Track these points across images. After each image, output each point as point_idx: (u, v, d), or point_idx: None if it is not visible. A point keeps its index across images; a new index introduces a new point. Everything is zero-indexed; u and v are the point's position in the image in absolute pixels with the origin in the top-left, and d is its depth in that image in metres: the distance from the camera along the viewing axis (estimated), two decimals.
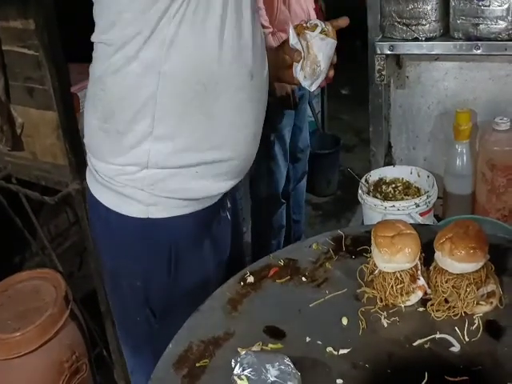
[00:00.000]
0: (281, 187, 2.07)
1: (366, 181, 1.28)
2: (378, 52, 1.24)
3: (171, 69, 0.87)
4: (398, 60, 1.36)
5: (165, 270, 1.00)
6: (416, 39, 1.20)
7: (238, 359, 0.69)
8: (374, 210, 1.17)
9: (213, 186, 0.98)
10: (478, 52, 1.13)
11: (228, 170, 0.98)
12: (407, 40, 1.21)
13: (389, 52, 1.23)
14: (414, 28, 1.19)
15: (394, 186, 1.27)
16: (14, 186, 1.74)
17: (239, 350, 0.76)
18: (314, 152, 2.64)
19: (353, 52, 3.41)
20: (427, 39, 1.19)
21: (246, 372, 0.67)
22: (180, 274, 1.01)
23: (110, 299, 1.14)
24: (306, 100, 2.23)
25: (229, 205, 1.09)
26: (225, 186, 1.00)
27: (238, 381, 0.67)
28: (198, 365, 0.76)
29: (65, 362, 1.38)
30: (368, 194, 1.23)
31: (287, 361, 0.69)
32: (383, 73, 1.26)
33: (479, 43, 1.12)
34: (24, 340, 1.37)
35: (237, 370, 0.68)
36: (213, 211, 1.03)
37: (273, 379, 0.67)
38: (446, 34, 1.20)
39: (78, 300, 1.61)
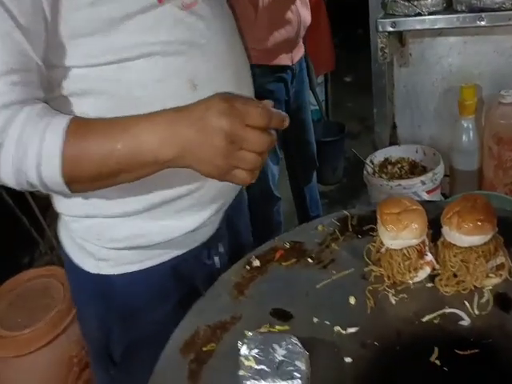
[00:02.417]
0: (273, 183, 2.05)
1: (371, 162, 1.26)
2: (380, 29, 1.22)
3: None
4: (400, 37, 1.35)
5: (120, 326, 0.88)
6: (419, 14, 1.18)
7: (245, 340, 0.69)
8: (379, 190, 1.16)
9: (174, 225, 0.83)
10: (482, 23, 1.10)
11: (191, 204, 0.82)
12: (410, 16, 1.19)
13: (391, 29, 1.22)
14: (416, 3, 1.16)
15: (399, 165, 1.25)
16: None
17: (246, 333, 0.74)
18: (318, 140, 2.62)
19: (355, 40, 3.38)
20: (430, 14, 1.17)
21: (253, 352, 0.66)
22: (139, 328, 0.88)
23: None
24: (306, 110, 2.17)
25: (220, 248, 0.92)
26: (192, 223, 0.84)
27: (246, 361, 0.66)
28: (205, 349, 0.75)
29: (74, 357, 1.39)
30: (373, 175, 1.22)
31: (295, 340, 0.68)
32: (386, 51, 1.24)
33: (483, 14, 1.10)
34: (33, 337, 1.38)
35: (244, 351, 0.67)
36: (189, 259, 0.87)
37: (280, 359, 0.66)
38: (448, 8, 1.17)
39: None
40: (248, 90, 0.88)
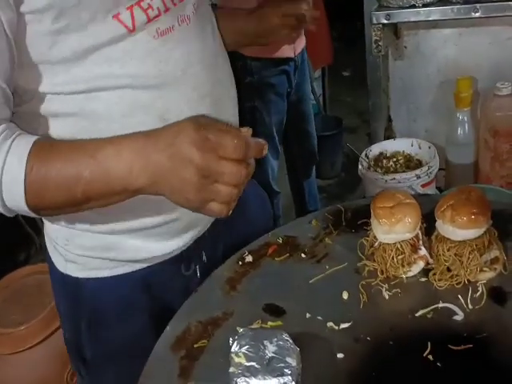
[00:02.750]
0: (272, 177, 2.03)
1: (367, 156, 1.25)
2: (375, 22, 1.21)
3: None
4: (395, 30, 1.33)
5: (88, 331, 0.85)
6: (413, 6, 1.17)
7: (236, 337, 0.68)
8: (374, 184, 1.15)
9: (146, 247, 0.80)
10: (477, 15, 1.09)
11: (166, 231, 0.79)
12: (404, 7, 1.18)
13: (385, 21, 1.21)
14: None
15: (394, 159, 1.24)
16: None
17: (238, 329, 0.74)
18: (316, 134, 2.60)
19: (353, 34, 3.36)
20: (424, 5, 1.16)
21: (243, 349, 0.65)
22: (108, 337, 0.85)
23: None
24: (307, 102, 2.15)
25: (204, 257, 0.87)
26: (163, 247, 0.80)
27: (236, 358, 0.65)
28: (196, 346, 0.74)
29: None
30: (368, 169, 1.21)
31: (286, 336, 0.67)
32: (380, 43, 1.23)
33: (477, 5, 1.09)
34: (29, 333, 1.37)
35: (234, 348, 0.66)
36: (164, 270, 0.82)
37: (271, 355, 0.65)
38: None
39: None
40: (231, 114, 0.82)
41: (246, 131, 0.68)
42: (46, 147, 0.65)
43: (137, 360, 0.72)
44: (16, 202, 0.64)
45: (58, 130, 0.71)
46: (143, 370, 0.72)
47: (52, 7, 0.62)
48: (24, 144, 0.64)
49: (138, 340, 0.81)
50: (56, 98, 0.69)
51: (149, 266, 0.82)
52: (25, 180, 0.63)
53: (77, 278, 0.82)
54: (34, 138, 0.65)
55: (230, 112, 0.81)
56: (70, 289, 0.84)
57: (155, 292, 0.84)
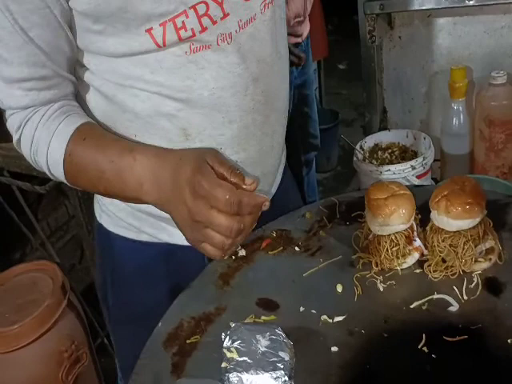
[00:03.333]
0: None
1: (362, 148, 1.24)
2: (368, 12, 1.20)
3: None
4: (389, 20, 1.32)
5: (110, 284, 0.90)
6: None
7: (228, 332, 0.67)
8: (369, 176, 1.14)
9: (167, 229, 0.82)
10: (471, 3, 1.09)
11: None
12: None
13: (379, 11, 1.19)
14: None
15: (390, 151, 1.24)
16: (5, 178, 1.72)
17: (231, 324, 0.73)
18: None
19: (350, 26, 3.34)
20: None
21: (235, 344, 0.65)
22: (124, 296, 0.89)
23: None
24: (310, 85, 2.13)
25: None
26: (183, 238, 0.78)
27: (228, 353, 0.64)
28: (188, 341, 0.73)
29: (64, 352, 1.36)
30: (364, 161, 1.20)
31: (278, 330, 0.66)
32: (374, 34, 1.22)
33: None
34: (22, 332, 1.35)
35: (226, 343, 0.65)
36: (187, 254, 0.81)
37: (263, 350, 0.64)
38: None
39: (77, 291, 1.59)
40: (266, 144, 0.79)
41: (251, 183, 0.65)
42: (80, 140, 0.72)
43: (151, 326, 0.74)
44: (59, 177, 0.74)
45: (98, 102, 0.76)
46: (135, 367, 0.71)
47: (89, 14, 0.66)
48: (67, 130, 0.72)
49: (153, 307, 0.80)
50: (99, 77, 0.74)
51: (173, 244, 0.84)
52: (63, 163, 0.72)
53: (108, 232, 0.87)
54: (79, 123, 0.72)
55: (264, 141, 0.79)
56: (102, 239, 0.89)
57: (175, 266, 0.86)
